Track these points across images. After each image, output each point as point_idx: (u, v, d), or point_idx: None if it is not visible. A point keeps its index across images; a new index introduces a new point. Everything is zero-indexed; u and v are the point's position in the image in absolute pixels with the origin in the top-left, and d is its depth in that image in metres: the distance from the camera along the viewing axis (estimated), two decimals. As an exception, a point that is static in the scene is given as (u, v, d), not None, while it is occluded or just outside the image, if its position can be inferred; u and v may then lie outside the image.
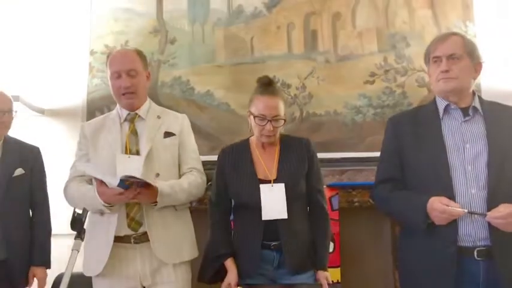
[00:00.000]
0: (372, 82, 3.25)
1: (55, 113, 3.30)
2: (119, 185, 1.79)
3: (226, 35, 3.34)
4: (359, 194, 2.94)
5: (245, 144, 2.10)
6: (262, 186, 1.94)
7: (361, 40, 3.29)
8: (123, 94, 2.03)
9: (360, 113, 3.23)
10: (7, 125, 2.38)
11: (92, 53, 3.36)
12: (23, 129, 3.12)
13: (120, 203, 1.91)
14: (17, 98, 2.93)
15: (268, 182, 1.96)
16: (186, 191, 2.00)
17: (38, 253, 2.37)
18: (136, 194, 1.84)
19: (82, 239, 1.61)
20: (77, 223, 1.62)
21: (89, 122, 2.17)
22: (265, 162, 2.02)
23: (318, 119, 3.23)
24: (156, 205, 1.92)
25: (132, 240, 1.94)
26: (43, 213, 2.45)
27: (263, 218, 1.91)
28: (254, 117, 1.97)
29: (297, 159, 2.02)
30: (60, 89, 3.31)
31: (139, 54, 2.12)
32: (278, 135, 2.03)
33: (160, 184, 1.90)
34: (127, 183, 1.79)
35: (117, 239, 1.93)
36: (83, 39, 3.37)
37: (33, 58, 3.31)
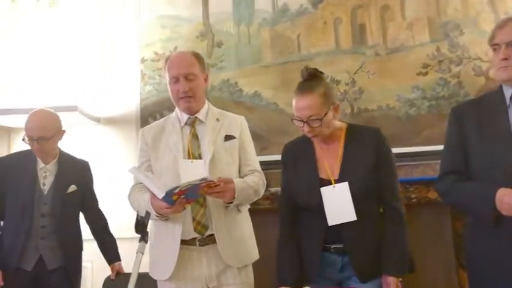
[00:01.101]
0: (425, 73, 3.14)
1: (110, 121, 3.41)
2: (163, 198, 1.79)
3: (272, 35, 3.34)
4: (416, 190, 2.84)
5: (308, 139, 1.91)
6: (323, 190, 1.81)
7: (411, 31, 3.18)
8: (182, 98, 2.03)
9: (414, 106, 3.12)
10: (45, 151, 2.42)
11: (143, 60, 3.44)
12: (81, 138, 3.28)
13: (170, 215, 1.91)
14: (75, 108, 3.06)
15: (330, 182, 1.82)
16: (253, 188, 2.00)
17: (111, 253, 2.57)
18: (184, 204, 1.86)
19: (146, 242, 1.63)
20: (140, 226, 1.65)
21: (148, 126, 2.18)
22: (328, 159, 1.87)
23: (370, 115, 3.16)
24: (231, 204, 1.93)
25: (197, 243, 1.95)
26: (100, 221, 2.60)
27: (329, 224, 1.79)
28: (291, 119, 1.85)
29: (363, 152, 1.83)
30: (114, 97, 3.42)
31: (197, 56, 2.10)
32: (329, 129, 1.83)
33: (234, 180, 1.92)
34: (174, 197, 1.79)
35: (183, 242, 1.94)
36: (133, 48, 3.46)
37: (89, 69, 3.43)
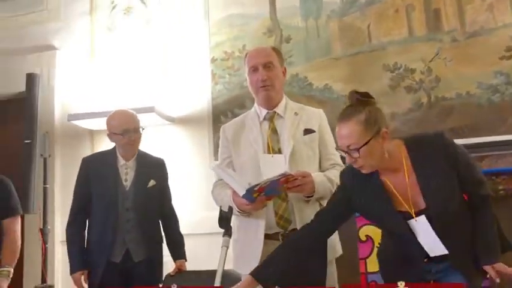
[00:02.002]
0: (509, 57, 2.94)
1: (184, 121, 3.51)
2: (244, 196, 1.80)
3: (341, 26, 3.27)
4: (504, 181, 2.66)
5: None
6: (410, 223, 1.64)
7: (492, 12, 2.99)
8: (261, 87, 2.03)
9: (498, 92, 2.93)
10: (136, 142, 2.53)
11: (213, 60, 3.51)
12: (156, 137, 3.40)
13: (253, 211, 1.92)
14: (152, 109, 3.18)
15: (410, 215, 1.64)
16: (334, 182, 1.96)
17: (178, 250, 2.59)
18: (264, 201, 1.86)
19: (230, 236, 1.65)
20: (223, 221, 1.68)
21: (228, 123, 2.21)
22: (399, 189, 1.66)
23: (448, 103, 3.01)
24: (311, 197, 1.91)
25: (280, 238, 1.95)
26: (172, 217, 2.65)
27: (431, 255, 1.66)
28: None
29: (435, 169, 1.62)
30: (187, 97, 3.51)
31: (275, 50, 2.14)
32: (375, 160, 1.61)
33: (313, 174, 1.90)
34: (255, 194, 1.80)
35: (266, 236, 1.95)
36: (204, 48, 3.53)
37: (162, 71, 3.55)
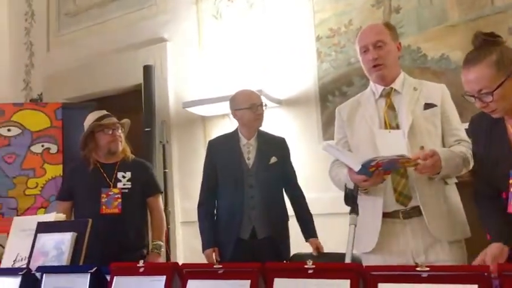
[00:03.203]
0: None
1: (291, 102, 3.50)
2: (360, 171, 1.74)
3: (458, -10, 3.01)
4: None
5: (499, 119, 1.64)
6: None
7: None
8: (373, 67, 1.98)
9: None
10: (262, 117, 2.64)
11: (318, 38, 3.43)
12: (267, 119, 3.42)
13: (369, 187, 1.86)
14: (260, 92, 3.20)
15: None
16: (462, 158, 1.84)
17: (309, 229, 2.60)
18: (382, 176, 1.79)
19: (357, 214, 1.61)
20: (350, 198, 1.64)
21: (344, 104, 2.17)
22: None
23: None
24: (439, 174, 1.80)
25: (400, 215, 1.87)
26: (299, 193, 2.69)
27: None
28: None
29: None
30: (293, 78, 3.49)
31: (388, 25, 2.06)
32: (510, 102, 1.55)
33: (437, 149, 1.78)
34: (371, 169, 1.73)
35: (385, 215, 1.89)
36: (308, 27, 3.47)
37: (268, 53, 3.57)
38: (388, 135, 1.91)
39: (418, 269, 1.15)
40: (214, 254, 2.55)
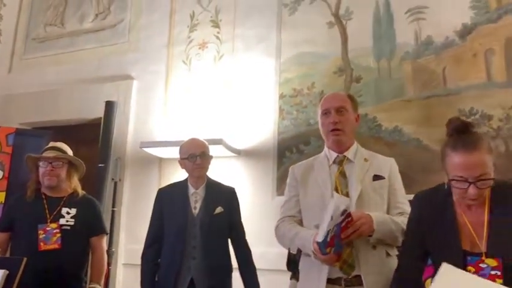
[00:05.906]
0: None
1: (249, 153, 3.54)
2: (320, 244, 1.75)
3: (414, 68, 3.21)
4: None
5: (446, 200, 1.64)
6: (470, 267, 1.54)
7: None
8: (331, 130, 2.05)
9: None
10: (202, 167, 2.59)
11: (282, 96, 3.55)
12: (223, 169, 3.45)
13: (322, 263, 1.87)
14: (220, 141, 3.25)
15: (477, 255, 1.55)
16: (398, 225, 1.90)
17: (252, 283, 2.57)
18: (334, 261, 1.82)
19: (297, 280, 1.62)
20: (292, 264, 1.65)
21: (298, 164, 2.22)
22: (473, 226, 1.58)
23: (529, 153, 2.84)
24: (371, 236, 1.85)
25: (342, 283, 1.90)
26: (246, 249, 2.64)
27: None
28: (450, 180, 1.57)
29: None
30: (253, 131, 3.56)
31: (350, 97, 2.16)
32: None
33: (372, 213, 1.85)
34: (327, 249, 1.76)
35: (329, 280, 1.90)
36: (273, 84, 3.59)
37: (232, 104, 3.64)
38: (341, 199, 1.97)
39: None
40: None
